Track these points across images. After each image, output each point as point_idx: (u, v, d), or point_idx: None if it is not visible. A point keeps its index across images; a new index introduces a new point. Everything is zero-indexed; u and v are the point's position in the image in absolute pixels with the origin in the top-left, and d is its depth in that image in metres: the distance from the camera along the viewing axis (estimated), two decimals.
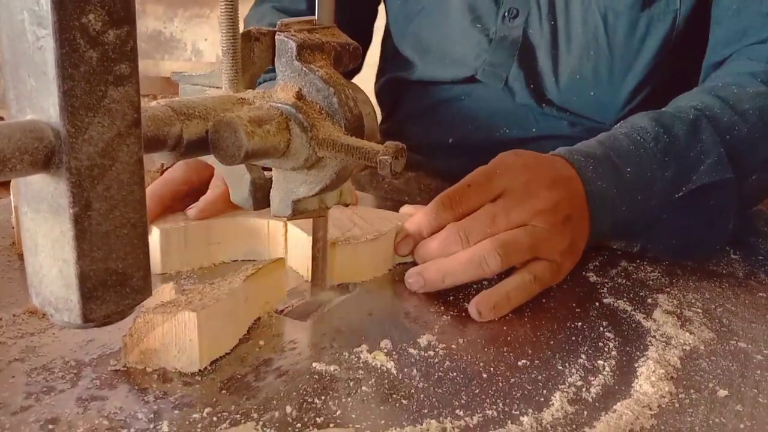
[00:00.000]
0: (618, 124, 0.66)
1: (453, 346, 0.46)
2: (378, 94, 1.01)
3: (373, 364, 0.44)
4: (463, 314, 0.51)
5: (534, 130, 0.83)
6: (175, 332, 0.42)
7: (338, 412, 0.39)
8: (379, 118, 1.01)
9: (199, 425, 0.37)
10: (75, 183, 0.31)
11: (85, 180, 0.31)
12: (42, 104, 0.31)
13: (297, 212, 0.46)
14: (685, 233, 0.65)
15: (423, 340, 0.47)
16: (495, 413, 0.39)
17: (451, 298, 0.54)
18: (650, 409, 0.40)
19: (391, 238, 0.58)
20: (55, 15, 0.29)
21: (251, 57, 0.44)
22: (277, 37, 0.43)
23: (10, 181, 0.59)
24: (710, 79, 0.73)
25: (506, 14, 0.81)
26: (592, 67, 0.78)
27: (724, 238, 0.67)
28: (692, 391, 0.43)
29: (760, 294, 0.57)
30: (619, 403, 0.41)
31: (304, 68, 0.42)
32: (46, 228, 0.33)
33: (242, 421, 0.37)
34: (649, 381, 0.43)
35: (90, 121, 0.31)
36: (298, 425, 0.37)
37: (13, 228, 0.62)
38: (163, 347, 0.42)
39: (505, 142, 0.86)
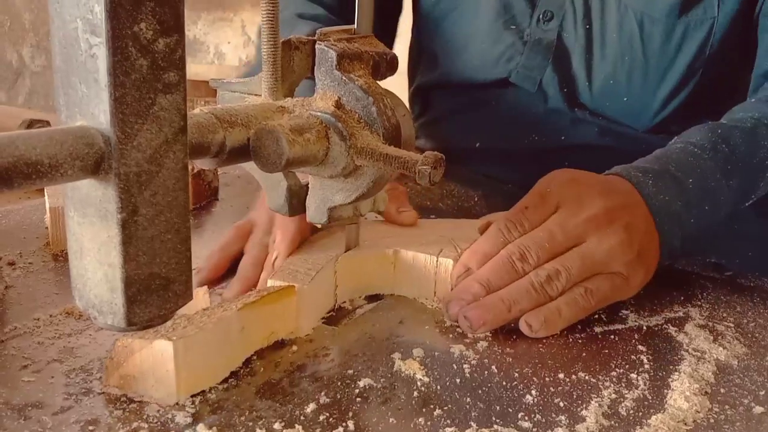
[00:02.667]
0: (672, 140, 0.64)
1: (485, 360, 0.46)
2: (410, 99, 1.01)
3: (407, 372, 0.44)
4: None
5: (563, 138, 0.83)
6: (153, 361, 0.39)
7: (374, 420, 0.39)
8: None
9: (237, 429, 0.37)
10: (123, 188, 0.32)
11: (133, 186, 0.32)
12: (93, 111, 0.31)
13: (332, 219, 0.46)
14: (760, 244, 0.63)
15: (455, 350, 0.47)
16: (530, 425, 0.39)
17: None
18: (685, 424, 0.40)
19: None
20: (108, 23, 0.30)
21: (291, 65, 0.44)
22: (317, 46, 0.43)
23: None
24: (764, 89, 0.73)
25: (541, 17, 0.81)
26: (626, 73, 0.78)
27: None
28: (727, 406, 0.42)
29: None
30: (653, 417, 0.40)
31: (344, 77, 0.42)
32: (93, 232, 0.33)
33: (279, 426, 0.37)
34: (683, 396, 0.43)
35: (139, 128, 0.32)
36: (338, 431, 0.37)
37: (46, 228, 0.63)
38: (141, 375, 0.39)
39: (532, 149, 0.86)
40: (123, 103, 0.31)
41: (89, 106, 0.31)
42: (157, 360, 0.39)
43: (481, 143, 0.89)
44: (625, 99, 0.79)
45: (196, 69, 2.81)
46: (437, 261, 0.53)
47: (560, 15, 0.80)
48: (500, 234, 0.52)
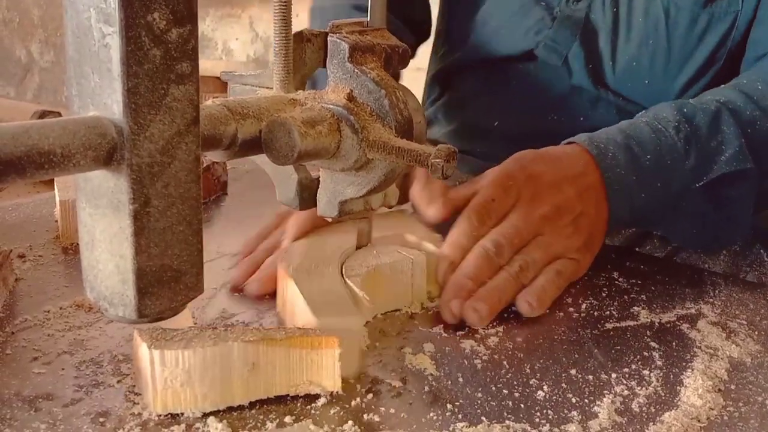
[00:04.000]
0: (641, 113, 0.68)
1: (496, 356, 0.46)
2: (428, 84, 1.01)
3: (418, 367, 0.44)
4: (503, 322, 0.51)
5: (582, 118, 0.83)
6: (142, 364, 0.38)
7: (385, 415, 0.38)
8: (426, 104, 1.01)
9: (248, 423, 0.37)
10: (135, 180, 0.31)
11: (145, 177, 0.32)
12: (105, 101, 0.31)
13: (343, 213, 0.46)
14: (704, 224, 0.66)
15: (466, 345, 0.46)
16: (543, 421, 0.39)
17: None
18: (699, 421, 0.40)
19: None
20: (122, 12, 0.30)
21: (302, 58, 0.44)
22: (329, 38, 0.43)
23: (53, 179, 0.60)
24: (739, 77, 0.75)
25: None
26: (649, 57, 0.79)
27: (743, 230, 0.68)
28: (741, 404, 0.42)
29: None
30: (666, 414, 0.40)
31: (356, 70, 0.42)
32: (105, 223, 0.33)
33: (289, 420, 0.37)
34: (696, 393, 0.42)
35: (152, 119, 0.31)
36: (348, 426, 0.37)
37: (56, 221, 0.63)
38: (138, 372, 0.39)
39: (552, 129, 0.85)
40: (136, 93, 0.31)
41: (102, 96, 0.31)
42: (142, 364, 0.37)
43: (500, 122, 0.89)
44: (646, 82, 0.80)
45: (204, 65, 2.80)
46: (412, 263, 0.52)
47: None
48: (473, 226, 0.56)
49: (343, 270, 0.49)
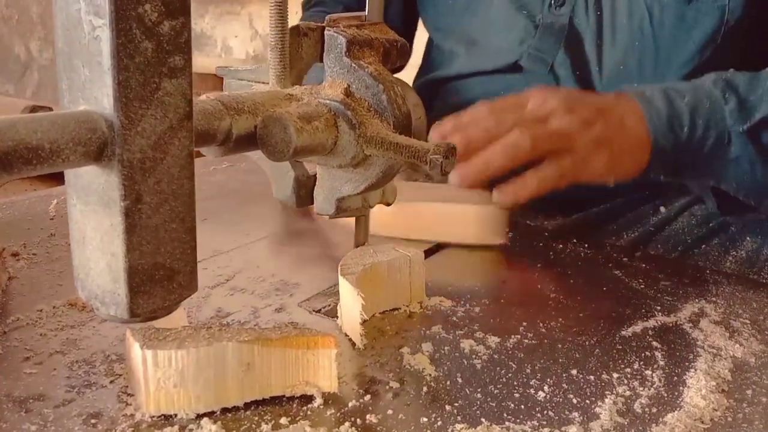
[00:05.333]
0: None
1: (496, 356, 0.45)
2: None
3: (416, 367, 0.43)
4: (504, 320, 0.50)
5: None
6: (135, 363, 0.37)
7: (383, 416, 0.38)
8: None
9: (242, 424, 0.36)
10: (127, 175, 0.31)
11: (136, 173, 0.31)
12: (96, 95, 0.30)
13: (340, 210, 0.45)
14: (752, 170, 0.68)
15: (465, 345, 0.46)
16: (544, 422, 0.38)
17: (489, 302, 0.53)
18: (702, 422, 0.39)
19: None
20: (112, 4, 0.29)
21: (299, 52, 0.43)
22: (326, 32, 0.42)
23: (48, 175, 0.59)
24: None
25: (553, 2, 0.81)
26: (636, 59, 0.78)
27: None
28: (745, 404, 0.41)
29: None
30: (669, 415, 0.39)
31: (354, 64, 0.41)
32: (96, 220, 0.32)
33: (285, 422, 0.37)
34: (699, 393, 0.42)
35: (143, 113, 0.31)
36: (345, 427, 0.36)
37: (51, 219, 0.62)
38: (131, 372, 0.38)
39: None
40: (127, 87, 0.30)
41: (92, 90, 0.30)
42: (135, 364, 0.36)
43: None
44: (635, 85, 0.78)
45: (203, 62, 2.79)
46: (410, 261, 0.50)
47: (572, 1, 0.80)
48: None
49: (339, 268, 0.48)
